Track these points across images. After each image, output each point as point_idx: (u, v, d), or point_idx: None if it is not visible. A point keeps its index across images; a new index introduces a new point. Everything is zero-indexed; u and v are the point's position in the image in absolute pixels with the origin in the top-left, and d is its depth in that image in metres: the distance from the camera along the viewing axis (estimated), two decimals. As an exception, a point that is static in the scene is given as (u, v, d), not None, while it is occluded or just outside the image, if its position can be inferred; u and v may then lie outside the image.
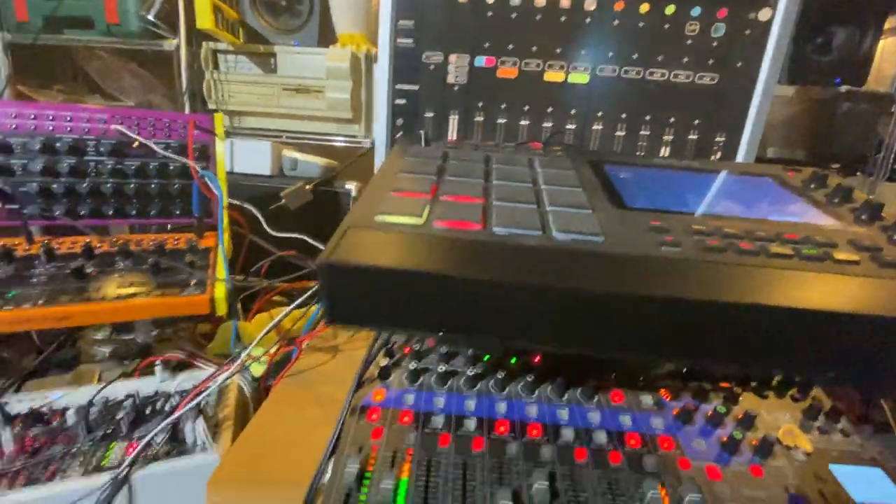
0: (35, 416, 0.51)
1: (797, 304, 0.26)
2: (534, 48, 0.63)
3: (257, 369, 0.61)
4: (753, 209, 0.39)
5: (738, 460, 0.39)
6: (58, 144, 0.63)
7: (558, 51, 0.63)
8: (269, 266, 0.76)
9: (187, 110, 1.16)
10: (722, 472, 0.38)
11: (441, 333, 0.29)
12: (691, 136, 0.65)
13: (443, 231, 0.31)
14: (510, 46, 0.63)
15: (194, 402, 0.50)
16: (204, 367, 0.62)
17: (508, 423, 0.41)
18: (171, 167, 0.68)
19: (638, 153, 0.65)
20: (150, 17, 1.10)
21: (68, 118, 0.64)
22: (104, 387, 0.54)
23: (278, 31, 1.16)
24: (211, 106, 1.15)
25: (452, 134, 0.65)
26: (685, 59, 0.63)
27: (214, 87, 1.14)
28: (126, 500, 0.45)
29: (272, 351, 0.59)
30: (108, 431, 0.50)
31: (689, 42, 0.62)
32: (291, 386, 0.54)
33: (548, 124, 0.66)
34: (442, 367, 0.46)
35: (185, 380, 0.58)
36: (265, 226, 0.80)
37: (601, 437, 0.40)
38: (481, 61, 0.64)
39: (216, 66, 1.15)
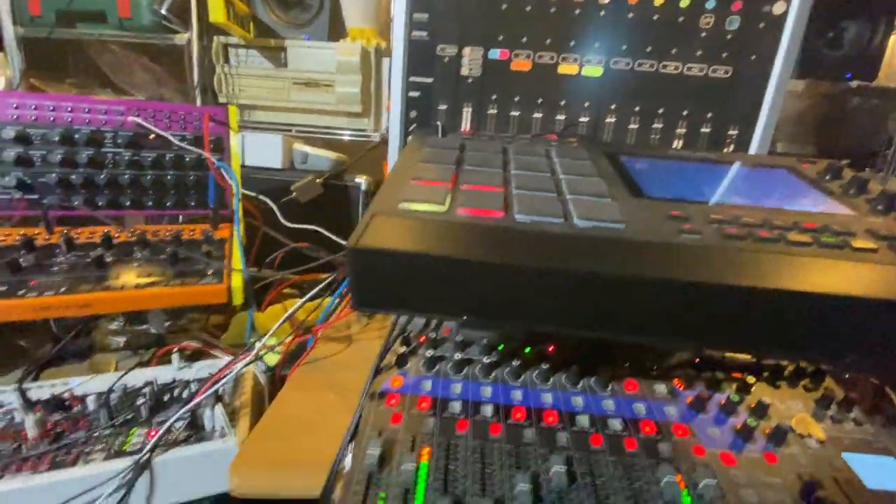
0: (56, 403, 0.52)
1: (817, 289, 0.27)
2: (548, 41, 0.63)
3: (271, 359, 0.62)
4: (770, 199, 0.40)
5: (751, 447, 0.40)
6: (76, 136, 0.64)
7: (572, 43, 0.63)
8: (282, 257, 0.76)
9: (198, 104, 1.17)
10: (736, 459, 0.38)
11: (465, 318, 0.29)
12: (704, 130, 0.65)
13: (466, 218, 0.31)
14: (524, 39, 0.63)
15: (213, 389, 0.51)
16: (220, 356, 0.63)
17: (524, 410, 0.41)
18: (187, 159, 0.69)
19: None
20: (163, 11, 1.11)
21: (86, 110, 0.64)
22: (125, 374, 0.55)
23: (289, 26, 1.17)
24: (222, 100, 1.16)
25: (466, 126, 0.66)
26: (699, 52, 0.63)
27: (225, 81, 1.15)
28: (147, 484, 0.46)
29: (287, 340, 0.59)
30: (129, 417, 0.51)
31: (704, 35, 0.63)
32: (307, 373, 0.55)
33: (561, 117, 0.66)
34: (458, 356, 0.47)
35: (202, 368, 0.59)
36: (280, 217, 0.80)
37: (616, 424, 0.41)
38: (495, 54, 0.64)
39: (227, 61, 1.16)
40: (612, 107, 0.66)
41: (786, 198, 0.42)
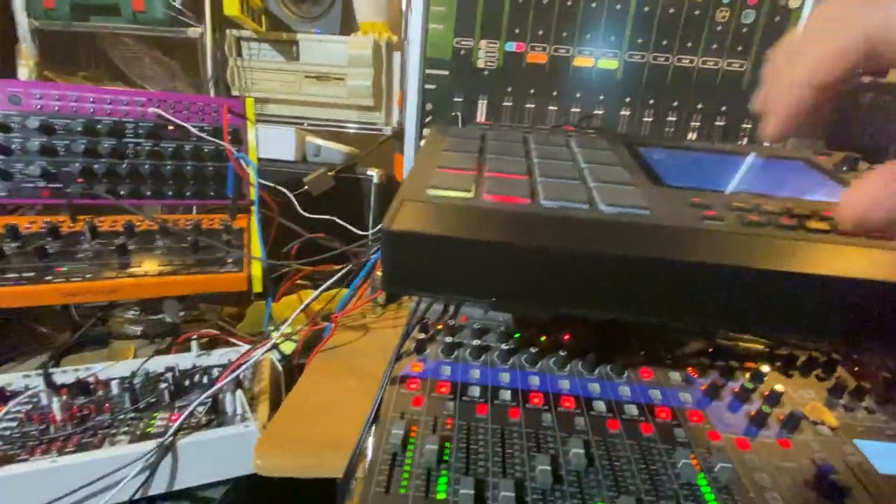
0: (80, 387, 0.53)
1: (837, 272, 0.27)
2: (564, 34, 0.64)
3: (287, 347, 0.63)
4: (788, 189, 0.41)
5: (765, 433, 0.40)
6: (99, 126, 0.65)
7: (588, 36, 0.64)
8: (297, 248, 0.77)
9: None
10: (751, 444, 0.39)
11: (493, 300, 0.30)
12: (718, 123, 0.66)
13: (493, 204, 0.32)
14: (540, 32, 0.64)
15: (234, 374, 0.52)
16: (238, 343, 0.64)
17: (542, 396, 0.42)
18: (205, 150, 0.70)
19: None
20: (176, 4, 1.12)
21: (108, 101, 0.65)
22: (148, 359, 0.56)
23: (301, 19, 1.17)
24: (234, 93, 1.17)
25: (481, 118, 0.67)
26: (714, 46, 0.64)
27: (238, 75, 1.16)
28: (170, 466, 0.47)
29: (304, 329, 0.60)
30: (152, 401, 0.52)
31: (719, 28, 0.63)
32: (326, 360, 0.56)
33: (576, 109, 0.66)
34: (475, 342, 0.48)
35: (221, 355, 0.60)
36: (298, 208, 0.81)
37: (632, 410, 0.42)
38: (511, 46, 0.65)
39: (239, 54, 1.16)
40: (627, 100, 0.66)
41: (803, 188, 0.42)
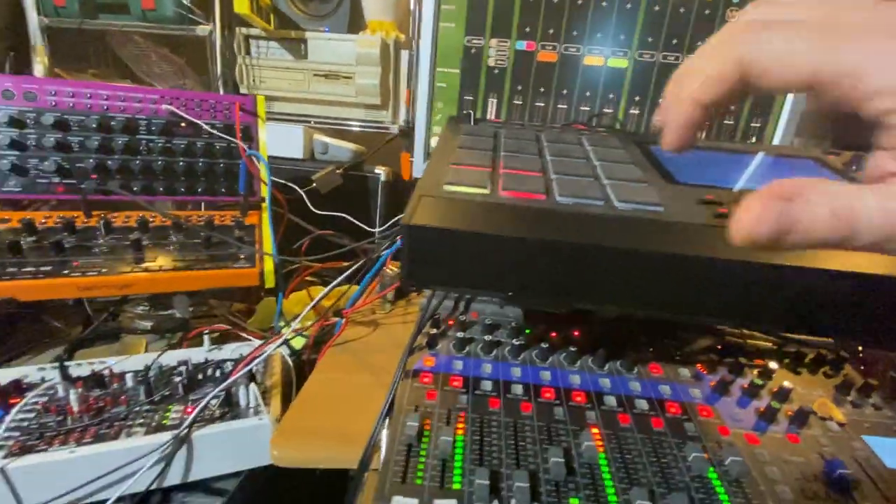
0: (96, 380, 0.54)
1: (847, 268, 0.28)
2: (574, 33, 0.65)
3: (297, 343, 0.64)
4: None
5: (774, 429, 0.41)
6: (112, 123, 0.66)
7: (598, 35, 0.64)
8: (307, 245, 0.78)
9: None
10: (760, 439, 0.40)
11: (510, 294, 0.31)
12: (728, 122, 0.66)
13: (509, 200, 0.33)
14: (551, 31, 0.65)
15: (247, 368, 0.53)
16: (249, 338, 0.65)
17: (553, 390, 0.43)
18: (217, 147, 0.71)
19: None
20: (185, 2, 1.13)
21: (122, 98, 0.66)
22: (162, 353, 0.57)
23: (309, 18, 1.18)
24: (243, 90, 1.18)
25: (491, 116, 0.67)
26: (723, 45, 0.64)
27: (246, 73, 1.17)
28: (185, 457, 0.48)
29: (315, 324, 0.61)
30: (166, 394, 0.53)
31: (729, 28, 0.63)
32: (337, 355, 0.56)
33: (586, 108, 0.67)
34: (487, 338, 0.48)
35: (233, 350, 0.61)
36: (309, 205, 0.82)
37: (643, 405, 0.42)
38: (522, 45, 0.65)
39: (248, 52, 1.17)
40: (637, 98, 0.67)
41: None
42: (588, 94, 0.67)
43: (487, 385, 0.43)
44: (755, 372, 0.48)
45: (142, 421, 0.49)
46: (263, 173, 0.71)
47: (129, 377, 0.54)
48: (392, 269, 0.69)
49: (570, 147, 0.44)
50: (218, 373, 0.56)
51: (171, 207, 0.78)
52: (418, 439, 0.37)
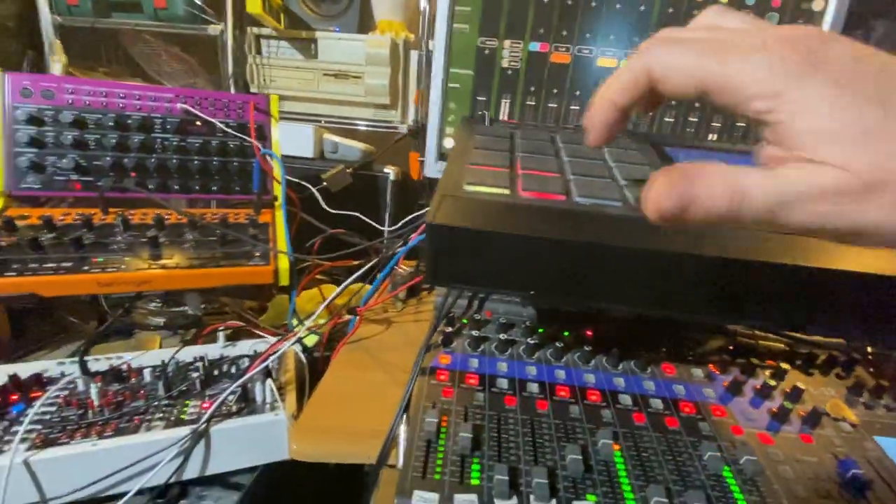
0: (114, 374, 0.55)
1: (858, 268, 0.28)
2: (587, 34, 0.65)
3: (311, 340, 0.64)
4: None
5: (788, 429, 0.41)
6: (129, 121, 0.66)
7: (612, 37, 0.65)
8: (319, 243, 0.79)
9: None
10: (773, 439, 0.40)
11: (531, 293, 0.31)
12: (739, 123, 0.66)
13: (530, 200, 0.33)
14: (564, 32, 0.65)
15: (263, 364, 0.54)
16: (263, 335, 0.66)
17: (569, 389, 0.43)
18: (231, 145, 0.71)
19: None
20: (197, 2, 1.13)
21: (138, 97, 0.67)
22: (179, 349, 0.58)
23: (320, 18, 1.19)
24: (253, 90, 1.19)
25: (504, 117, 0.68)
26: (737, 48, 0.64)
27: (257, 72, 1.18)
28: (203, 451, 0.49)
29: (329, 321, 0.62)
30: (184, 389, 0.54)
31: (742, 31, 0.64)
32: (352, 352, 0.57)
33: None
34: (502, 336, 0.49)
35: (249, 346, 0.61)
36: (323, 204, 0.83)
37: (657, 404, 0.43)
38: (535, 47, 0.66)
39: (259, 51, 1.18)
40: (649, 100, 0.67)
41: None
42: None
43: (503, 383, 0.43)
44: (767, 373, 0.48)
45: (161, 415, 0.50)
46: (277, 172, 0.72)
47: (146, 372, 0.55)
48: (404, 268, 0.69)
49: (585, 148, 0.45)
50: (234, 369, 0.57)
51: (185, 205, 0.79)
52: (436, 436, 0.37)
